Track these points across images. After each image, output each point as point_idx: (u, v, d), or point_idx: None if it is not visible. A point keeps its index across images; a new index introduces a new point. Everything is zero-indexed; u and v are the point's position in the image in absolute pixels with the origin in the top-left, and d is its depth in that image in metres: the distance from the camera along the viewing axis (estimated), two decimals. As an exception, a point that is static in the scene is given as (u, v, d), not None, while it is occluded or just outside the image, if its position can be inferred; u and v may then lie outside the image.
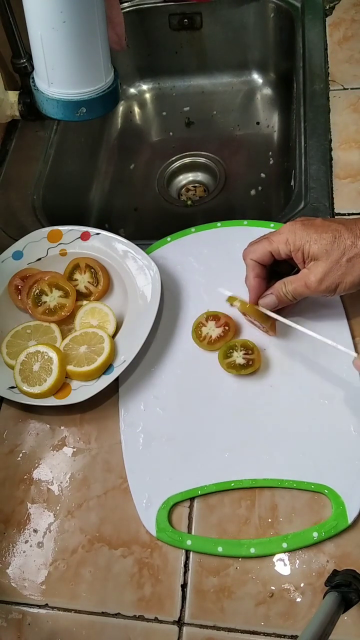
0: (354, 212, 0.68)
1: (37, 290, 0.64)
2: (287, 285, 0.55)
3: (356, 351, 0.57)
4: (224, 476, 0.53)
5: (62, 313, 0.63)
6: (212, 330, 0.60)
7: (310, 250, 0.52)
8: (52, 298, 0.63)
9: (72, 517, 0.54)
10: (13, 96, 0.78)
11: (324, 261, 0.52)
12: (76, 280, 0.66)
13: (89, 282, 0.65)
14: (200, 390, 0.58)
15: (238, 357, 0.58)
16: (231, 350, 0.58)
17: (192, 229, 0.69)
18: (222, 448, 0.55)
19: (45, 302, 0.63)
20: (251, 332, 0.61)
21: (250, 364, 0.57)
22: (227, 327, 0.60)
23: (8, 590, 0.52)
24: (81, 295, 0.65)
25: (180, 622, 0.48)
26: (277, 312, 0.57)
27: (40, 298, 0.64)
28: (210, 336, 0.60)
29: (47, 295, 0.64)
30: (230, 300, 0.59)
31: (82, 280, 0.65)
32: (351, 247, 0.51)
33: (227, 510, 0.52)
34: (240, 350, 0.58)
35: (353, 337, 0.58)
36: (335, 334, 0.59)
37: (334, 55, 0.83)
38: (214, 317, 0.61)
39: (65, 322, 0.64)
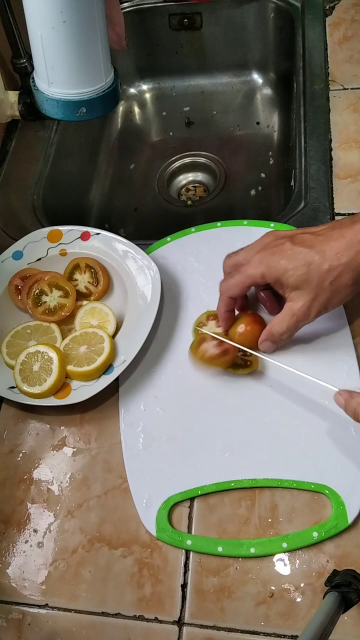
0: (354, 212, 0.68)
1: (37, 290, 0.64)
2: (280, 327, 0.54)
3: (357, 353, 0.57)
4: (224, 476, 0.53)
5: (62, 313, 0.63)
6: (213, 329, 0.60)
7: (289, 282, 0.52)
8: (52, 298, 0.63)
9: (72, 517, 0.54)
10: (13, 96, 0.78)
11: (306, 288, 0.51)
12: (76, 280, 0.66)
13: (89, 282, 0.65)
14: (201, 390, 0.58)
15: (237, 356, 0.58)
16: None
17: (192, 229, 0.70)
18: (222, 448, 0.55)
19: (45, 302, 0.63)
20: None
21: (249, 365, 0.57)
22: None
23: (8, 590, 0.52)
24: (81, 295, 0.65)
25: (180, 622, 0.48)
26: None
27: (40, 298, 0.64)
28: None
29: (47, 295, 0.64)
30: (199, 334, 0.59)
31: (82, 280, 0.65)
32: (328, 271, 0.50)
33: (227, 510, 0.52)
34: (239, 351, 0.58)
35: (353, 337, 0.58)
36: (335, 334, 0.59)
37: (334, 55, 0.83)
38: (215, 316, 0.61)
39: (65, 322, 0.64)
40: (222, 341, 0.57)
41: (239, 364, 0.58)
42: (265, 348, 0.57)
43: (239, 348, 0.56)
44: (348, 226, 0.51)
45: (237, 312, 0.60)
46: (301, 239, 0.52)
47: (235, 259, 0.57)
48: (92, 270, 0.65)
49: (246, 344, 0.57)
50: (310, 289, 0.51)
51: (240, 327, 0.58)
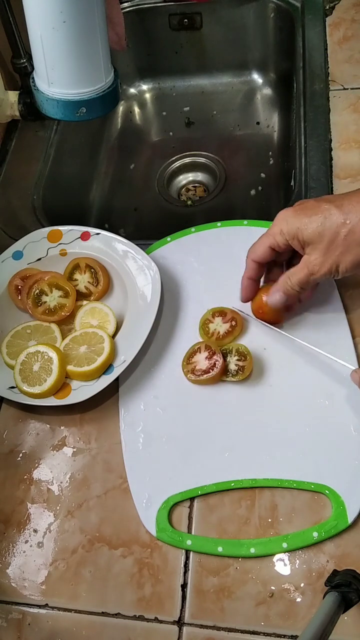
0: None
1: (37, 290, 0.64)
2: (291, 278, 0.54)
3: (357, 352, 0.57)
4: (224, 476, 0.53)
5: (62, 313, 0.63)
6: (220, 326, 0.60)
7: (304, 235, 0.52)
8: (52, 298, 0.63)
9: (72, 517, 0.54)
10: (13, 96, 0.78)
11: (320, 243, 0.51)
12: (76, 280, 0.66)
13: (89, 282, 0.65)
14: (201, 390, 0.58)
15: (231, 362, 0.58)
16: (225, 354, 0.58)
17: (192, 229, 0.70)
18: (222, 448, 0.55)
19: (45, 302, 0.63)
20: (256, 329, 0.61)
21: (241, 372, 0.57)
22: (234, 322, 0.60)
23: (8, 590, 0.52)
24: (81, 295, 0.65)
25: (180, 622, 0.48)
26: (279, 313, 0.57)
27: (40, 298, 0.64)
28: (219, 332, 0.60)
29: (47, 295, 0.64)
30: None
31: (82, 280, 0.65)
32: (343, 224, 0.50)
33: (227, 510, 0.52)
34: (234, 356, 0.58)
35: (353, 337, 0.58)
36: (335, 334, 0.59)
37: (334, 55, 0.83)
38: (221, 312, 0.61)
39: (65, 322, 0.64)
40: (213, 354, 0.57)
41: (231, 369, 0.57)
42: (274, 300, 0.56)
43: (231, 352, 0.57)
44: None
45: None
46: (326, 197, 0.53)
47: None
48: (92, 270, 0.65)
49: (266, 316, 0.58)
50: (325, 242, 0.51)
51: (264, 297, 0.57)
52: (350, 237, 0.50)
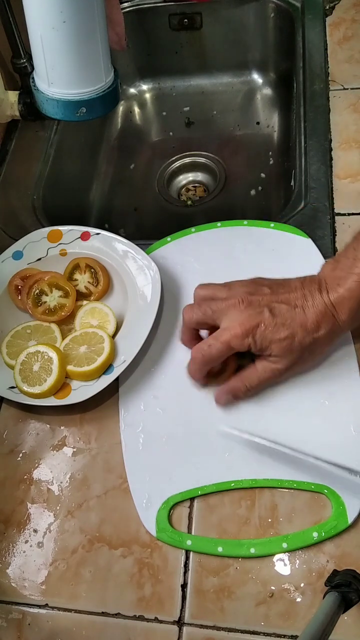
0: (354, 212, 0.68)
1: (37, 290, 0.64)
2: (249, 380, 0.54)
3: (357, 354, 0.57)
4: (224, 476, 0.53)
5: (62, 313, 0.63)
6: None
7: (271, 351, 0.52)
8: (52, 298, 0.63)
9: (72, 517, 0.54)
10: (13, 96, 0.78)
11: (288, 358, 0.53)
12: (76, 280, 0.66)
13: (89, 282, 0.65)
14: (200, 390, 0.58)
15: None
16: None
17: (192, 229, 0.69)
18: (222, 448, 0.54)
19: (45, 302, 0.63)
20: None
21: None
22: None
23: (8, 590, 0.52)
24: (81, 295, 0.65)
25: (180, 622, 0.48)
26: None
27: (40, 298, 0.64)
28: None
29: (47, 295, 0.64)
30: None
31: (82, 280, 0.65)
32: (310, 344, 0.52)
33: (227, 510, 0.52)
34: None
35: (353, 337, 0.58)
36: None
37: (334, 55, 0.83)
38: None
39: (65, 322, 0.64)
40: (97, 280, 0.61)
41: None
42: (222, 402, 0.56)
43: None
44: (317, 294, 0.52)
45: None
46: (279, 310, 0.52)
47: (207, 291, 0.56)
48: (92, 270, 0.65)
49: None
50: (292, 357, 0.53)
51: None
52: (317, 351, 0.54)
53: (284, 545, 0.49)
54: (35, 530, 0.54)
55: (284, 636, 0.47)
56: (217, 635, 0.48)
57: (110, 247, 0.66)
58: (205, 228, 0.69)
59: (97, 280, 0.65)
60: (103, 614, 0.50)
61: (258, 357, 0.54)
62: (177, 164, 0.98)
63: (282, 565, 0.49)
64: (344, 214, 0.68)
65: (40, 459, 0.58)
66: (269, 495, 0.52)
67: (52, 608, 0.51)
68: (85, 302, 0.65)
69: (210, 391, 0.58)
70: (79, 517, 0.54)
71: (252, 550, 0.50)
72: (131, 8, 0.97)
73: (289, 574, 0.49)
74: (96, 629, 0.49)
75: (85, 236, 0.68)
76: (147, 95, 1.07)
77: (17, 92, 0.78)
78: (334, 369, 0.57)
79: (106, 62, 0.55)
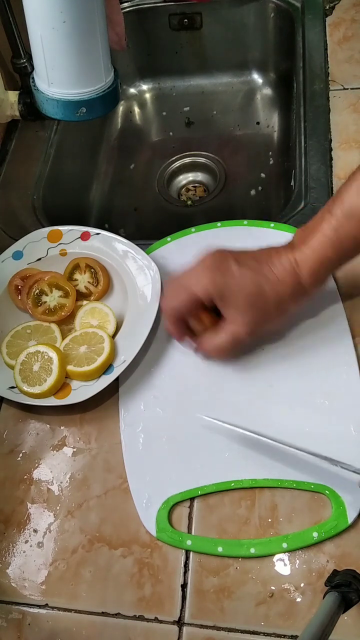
0: (354, 212, 0.68)
1: (37, 290, 0.64)
2: (211, 343, 0.55)
3: (357, 352, 0.57)
4: (224, 476, 0.53)
5: (62, 313, 0.63)
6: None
7: (233, 300, 0.52)
8: (52, 298, 0.63)
9: (72, 517, 0.54)
10: (13, 96, 0.78)
11: (250, 313, 0.52)
12: (76, 280, 0.66)
13: (89, 282, 0.65)
14: (200, 390, 0.58)
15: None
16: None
17: (192, 229, 0.69)
18: (222, 448, 0.54)
19: (45, 302, 0.63)
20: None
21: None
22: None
23: (8, 590, 0.52)
24: (81, 296, 0.65)
25: (180, 622, 0.48)
26: None
27: (40, 298, 0.64)
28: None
29: (47, 295, 0.64)
30: None
31: (82, 280, 0.65)
32: (275, 299, 0.52)
33: (227, 510, 0.52)
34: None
35: (353, 337, 0.58)
36: (335, 334, 0.59)
37: (334, 55, 0.83)
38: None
39: (65, 322, 0.64)
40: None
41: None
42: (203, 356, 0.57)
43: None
44: (284, 253, 0.52)
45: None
46: (245, 261, 0.52)
47: (178, 280, 0.56)
48: (92, 270, 0.65)
49: None
50: (254, 312, 0.52)
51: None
52: (281, 307, 0.53)
53: (284, 545, 0.49)
54: (35, 530, 0.54)
55: (284, 636, 0.47)
56: (217, 635, 0.48)
57: (110, 247, 0.66)
58: (205, 228, 0.69)
59: (97, 280, 0.65)
60: (103, 614, 0.50)
61: (225, 313, 0.53)
62: (177, 164, 0.98)
63: (282, 565, 0.49)
64: (344, 214, 0.68)
65: (40, 459, 0.58)
66: (269, 495, 0.52)
67: (52, 608, 0.51)
68: (85, 302, 0.65)
69: (211, 391, 0.58)
70: (79, 517, 0.54)
71: (252, 550, 0.50)
72: (131, 8, 0.97)
73: (289, 574, 0.49)
74: (96, 629, 0.49)
75: (85, 236, 0.68)
76: (147, 95, 1.07)
77: (17, 92, 0.78)
78: (333, 368, 0.57)
79: (106, 62, 0.55)
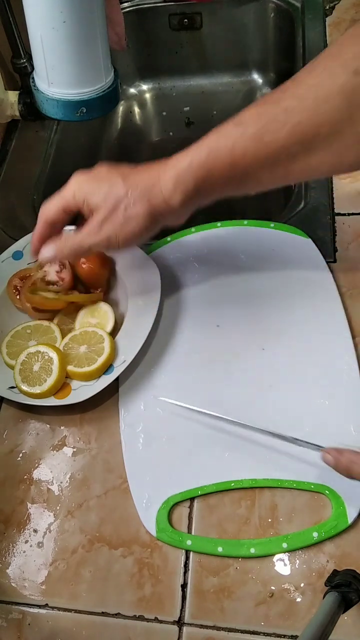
0: (354, 212, 0.68)
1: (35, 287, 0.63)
2: (67, 240, 0.54)
3: (357, 352, 0.57)
4: (224, 476, 0.53)
5: (61, 283, 0.63)
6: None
7: (92, 201, 0.51)
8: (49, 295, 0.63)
9: (72, 517, 0.54)
10: (13, 96, 0.78)
11: (102, 210, 0.51)
12: (45, 271, 0.64)
13: (56, 271, 0.64)
14: (200, 390, 0.58)
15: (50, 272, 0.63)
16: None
17: (192, 229, 0.69)
18: (222, 448, 0.54)
19: (39, 290, 0.63)
20: (255, 329, 0.61)
21: (61, 282, 0.62)
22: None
23: (8, 590, 0.52)
24: (53, 284, 0.64)
25: (180, 622, 0.48)
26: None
27: (37, 292, 0.63)
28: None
29: (42, 292, 0.63)
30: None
31: (51, 270, 0.64)
32: (124, 197, 0.50)
33: (227, 510, 0.52)
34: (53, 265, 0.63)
35: (353, 337, 0.58)
36: (335, 334, 0.59)
37: (334, 55, 0.83)
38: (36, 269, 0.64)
39: (66, 322, 0.64)
40: (63, 266, 0.62)
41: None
42: (44, 255, 0.55)
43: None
44: (161, 163, 0.51)
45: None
46: (118, 168, 0.52)
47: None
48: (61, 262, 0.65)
49: (89, 279, 0.62)
50: (105, 210, 0.51)
51: (81, 260, 0.61)
52: (131, 210, 0.50)
53: (284, 545, 0.49)
54: (35, 530, 0.54)
55: (284, 636, 0.47)
56: (217, 635, 0.48)
57: (110, 247, 0.66)
58: (205, 228, 0.69)
59: (63, 265, 0.64)
60: (103, 614, 0.50)
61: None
62: (177, 164, 0.98)
63: (282, 565, 0.49)
64: (344, 214, 0.68)
65: (40, 459, 0.58)
66: (269, 495, 0.52)
67: (52, 608, 0.51)
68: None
69: (210, 391, 0.58)
70: (79, 517, 0.54)
71: (252, 550, 0.50)
72: (131, 8, 0.97)
73: (289, 574, 0.49)
74: (96, 629, 0.49)
75: (85, 236, 0.67)
76: (147, 95, 1.07)
77: (17, 92, 0.78)
78: (333, 368, 0.57)
79: (106, 62, 0.55)
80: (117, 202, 0.50)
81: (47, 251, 0.55)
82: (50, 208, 0.54)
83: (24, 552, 0.53)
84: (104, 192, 0.51)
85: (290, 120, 0.46)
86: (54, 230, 0.55)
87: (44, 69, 0.53)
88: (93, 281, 0.64)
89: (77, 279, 0.65)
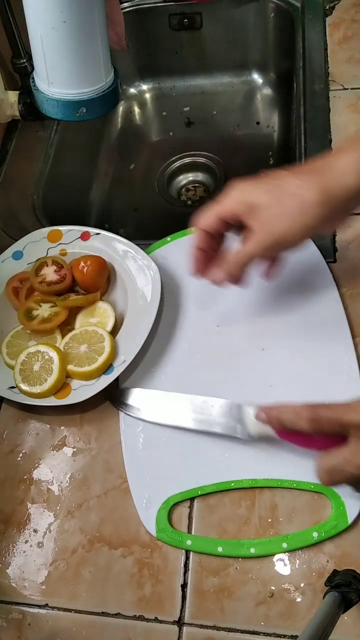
0: (354, 211, 0.68)
1: (25, 308, 0.63)
2: (238, 253, 0.51)
3: (357, 352, 0.57)
4: (224, 476, 0.53)
5: (58, 319, 0.62)
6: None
7: (254, 199, 0.49)
8: (44, 309, 0.63)
9: (72, 517, 0.54)
10: (13, 96, 0.78)
11: (266, 206, 0.49)
12: (43, 275, 0.64)
13: (54, 271, 0.64)
14: (200, 391, 0.58)
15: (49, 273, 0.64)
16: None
17: (193, 229, 0.69)
18: (222, 448, 0.54)
19: (37, 315, 0.62)
20: (255, 328, 0.61)
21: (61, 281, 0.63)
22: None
23: (8, 590, 0.52)
24: (56, 284, 0.64)
25: (180, 622, 0.48)
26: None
27: (31, 313, 0.63)
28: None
29: (36, 310, 0.63)
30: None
31: (49, 272, 0.64)
32: (291, 186, 0.49)
33: (227, 510, 0.52)
34: (51, 266, 0.64)
35: (353, 337, 0.58)
36: (335, 333, 0.59)
37: (334, 55, 0.83)
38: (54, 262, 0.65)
39: (65, 322, 0.64)
40: (62, 267, 0.64)
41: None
42: (216, 276, 0.53)
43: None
44: (325, 154, 0.50)
45: None
46: (280, 174, 0.51)
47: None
48: (56, 261, 0.65)
49: (85, 282, 0.63)
50: (272, 204, 0.49)
51: (81, 265, 0.62)
52: (299, 200, 0.48)
53: (284, 545, 0.49)
54: (35, 530, 0.54)
55: (284, 636, 0.47)
56: (217, 635, 0.48)
57: (110, 247, 0.66)
58: (205, 228, 0.69)
59: (61, 265, 0.64)
60: (103, 614, 0.50)
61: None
62: (177, 164, 0.98)
63: (282, 565, 0.49)
64: (344, 214, 0.68)
65: (40, 459, 0.58)
66: (269, 495, 0.52)
67: (52, 608, 0.51)
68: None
69: (211, 392, 0.58)
70: (79, 517, 0.54)
71: (252, 550, 0.50)
72: (131, 8, 0.97)
73: (289, 574, 0.49)
74: (96, 629, 0.49)
75: (85, 236, 0.68)
76: (147, 95, 1.07)
77: (17, 92, 0.78)
78: (333, 368, 0.57)
79: (106, 62, 0.55)
80: (283, 193, 0.48)
81: (218, 275, 0.53)
82: (208, 217, 0.52)
83: (24, 552, 0.53)
84: (266, 188, 0.49)
85: None
86: (212, 241, 0.53)
87: (44, 69, 0.53)
88: (92, 284, 0.63)
89: (74, 283, 0.65)
